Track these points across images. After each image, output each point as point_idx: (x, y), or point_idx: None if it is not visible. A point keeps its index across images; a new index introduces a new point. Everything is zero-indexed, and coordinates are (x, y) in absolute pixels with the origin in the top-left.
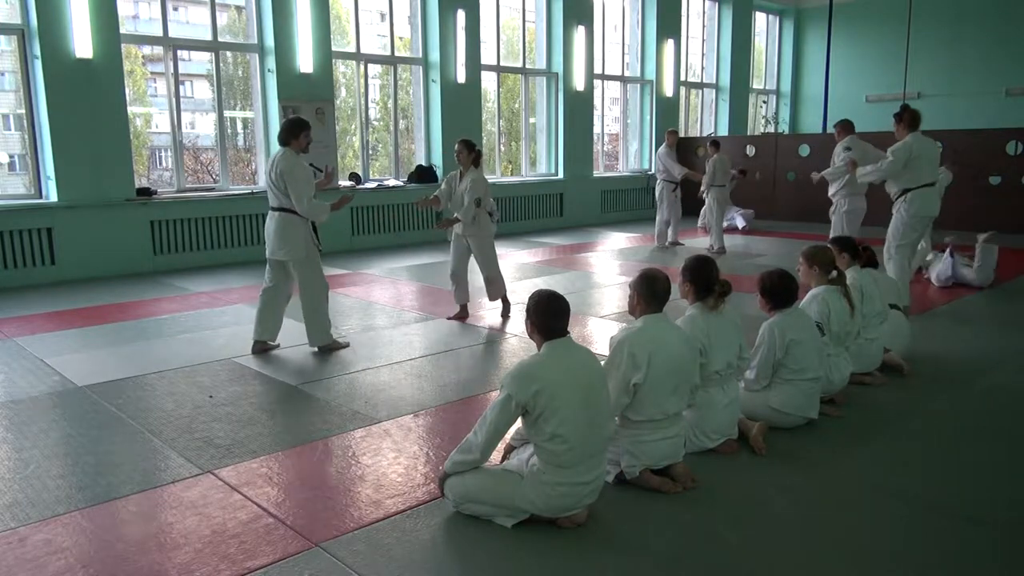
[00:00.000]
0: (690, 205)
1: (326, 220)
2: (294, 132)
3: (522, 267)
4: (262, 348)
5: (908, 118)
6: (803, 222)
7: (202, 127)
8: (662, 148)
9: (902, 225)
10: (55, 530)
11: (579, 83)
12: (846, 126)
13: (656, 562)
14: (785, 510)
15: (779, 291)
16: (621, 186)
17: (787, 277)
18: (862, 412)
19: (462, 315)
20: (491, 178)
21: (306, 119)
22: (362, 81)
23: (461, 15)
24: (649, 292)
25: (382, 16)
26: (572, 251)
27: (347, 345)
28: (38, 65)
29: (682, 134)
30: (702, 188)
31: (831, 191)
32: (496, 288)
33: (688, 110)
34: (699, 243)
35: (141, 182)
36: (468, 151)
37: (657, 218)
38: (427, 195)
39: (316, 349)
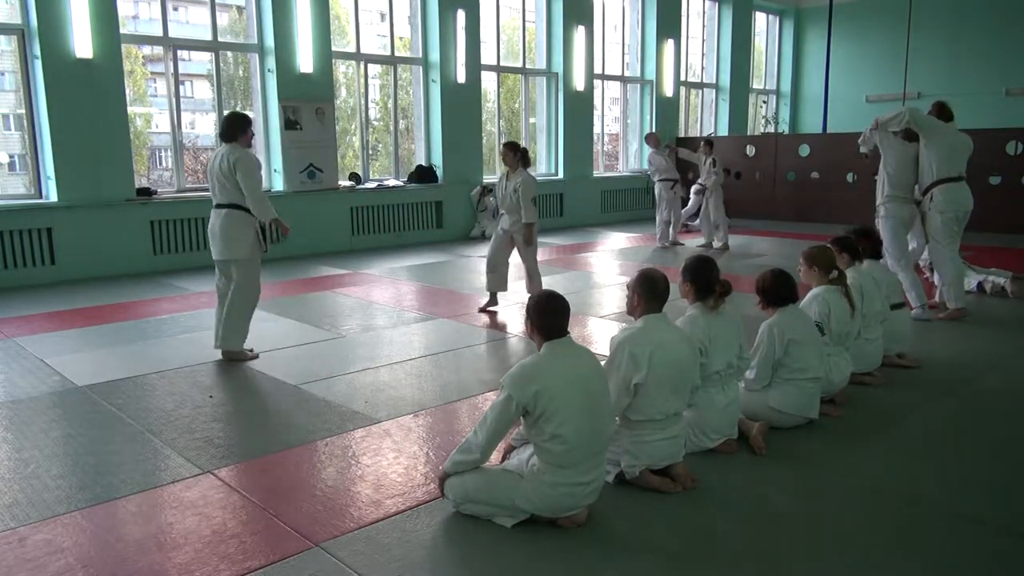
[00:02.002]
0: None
1: (267, 221)
2: (242, 127)
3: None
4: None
5: (936, 109)
6: (803, 222)
7: (202, 127)
8: (650, 152)
9: (941, 225)
10: (55, 530)
11: (579, 83)
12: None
13: (656, 562)
14: (785, 510)
15: (774, 290)
16: (621, 186)
17: (783, 276)
18: (862, 412)
19: (493, 303)
20: (491, 178)
21: (247, 114)
22: (362, 81)
23: (461, 15)
24: (649, 292)
25: (382, 16)
26: (572, 251)
27: (256, 357)
28: (38, 65)
29: (682, 134)
30: (708, 189)
31: (877, 200)
32: (536, 284)
33: (688, 110)
34: (697, 242)
35: (141, 182)
36: (513, 152)
37: (657, 218)
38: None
39: (221, 354)
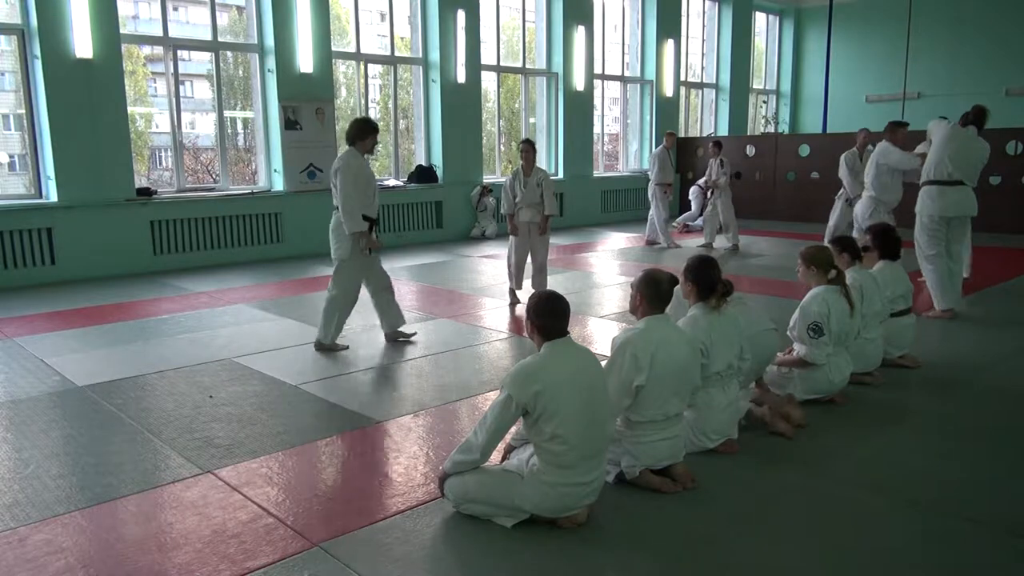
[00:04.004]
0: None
1: (350, 232)
2: (360, 134)
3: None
4: (396, 337)
5: (970, 114)
6: (803, 222)
7: (202, 127)
8: (659, 148)
9: (919, 228)
10: (55, 530)
11: (579, 83)
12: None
13: (656, 562)
14: (785, 510)
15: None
16: (621, 186)
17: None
18: (862, 412)
19: (518, 300)
20: (491, 178)
21: (373, 122)
22: (362, 81)
23: (461, 15)
24: (653, 293)
25: (382, 16)
26: (572, 251)
27: (346, 348)
28: (38, 65)
29: (682, 134)
30: (720, 189)
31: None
32: (544, 278)
33: (688, 110)
34: (694, 243)
35: (141, 182)
36: (535, 150)
37: (656, 218)
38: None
39: (315, 344)
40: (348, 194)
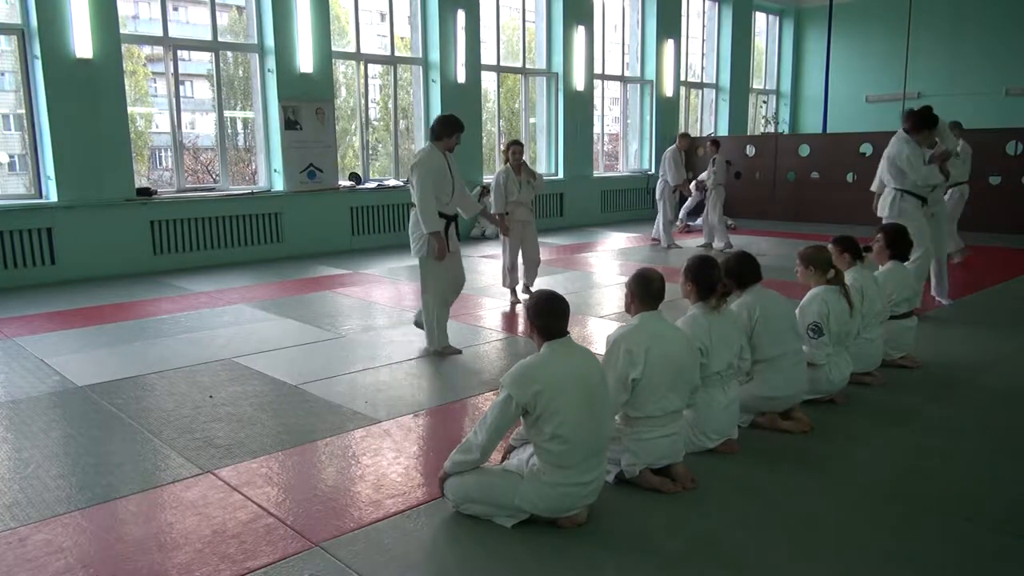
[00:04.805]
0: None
1: (427, 231)
2: (445, 130)
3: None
4: (447, 352)
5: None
6: (803, 222)
7: (202, 127)
8: (671, 149)
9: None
10: (55, 530)
11: (579, 83)
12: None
13: (656, 562)
14: (785, 510)
15: (738, 271)
16: (621, 186)
17: (747, 257)
18: (862, 412)
19: (518, 300)
20: (491, 178)
21: (459, 121)
22: (362, 81)
23: (461, 15)
24: (643, 291)
25: (382, 16)
26: (572, 251)
27: (459, 352)
28: (38, 65)
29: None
30: (709, 188)
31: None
32: (535, 272)
33: (688, 110)
34: (694, 243)
35: (141, 182)
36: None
37: (658, 217)
38: (497, 214)
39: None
40: (423, 192)
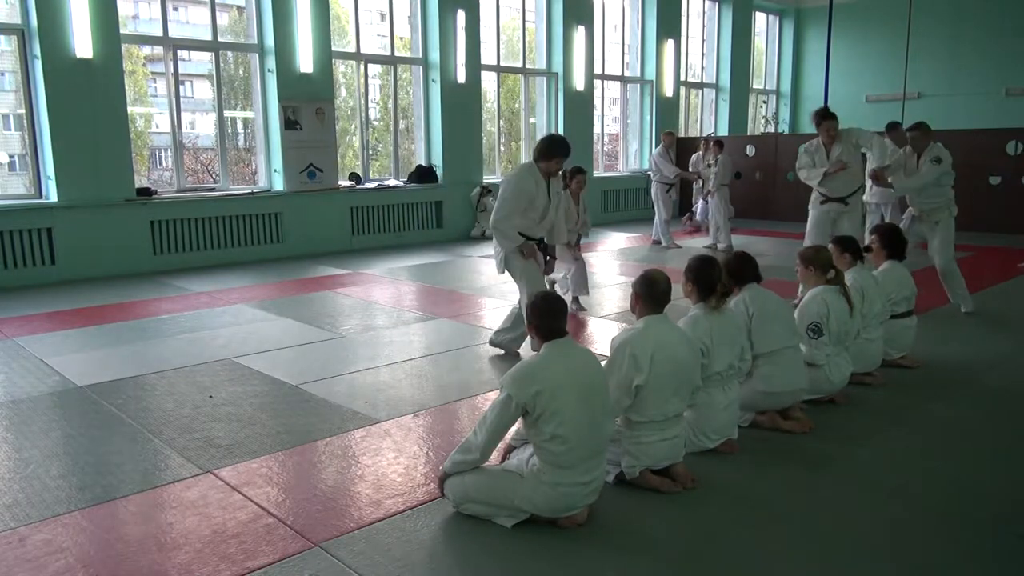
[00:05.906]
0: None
1: (505, 250)
2: (543, 154)
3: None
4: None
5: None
6: (803, 222)
7: (202, 127)
8: (658, 149)
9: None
10: (55, 530)
11: (579, 83)
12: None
13: (656, 562)
14: (785, 510)
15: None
16: (621, 186)
17: (746, 256)
18: (862, 412)
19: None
20: (491, 178)
21: (565, 145)
22: (362, 81)
23: (461, 15)
24: (648, 293)
25: (382, 16)
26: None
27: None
28: (38, 65)
29: (682, 134)
30: (711, 188)
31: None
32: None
33: (688, 110)
34: (695, 243)
35: (141, 182)
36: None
37: (656, 218)
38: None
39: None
40: (500, 208)
